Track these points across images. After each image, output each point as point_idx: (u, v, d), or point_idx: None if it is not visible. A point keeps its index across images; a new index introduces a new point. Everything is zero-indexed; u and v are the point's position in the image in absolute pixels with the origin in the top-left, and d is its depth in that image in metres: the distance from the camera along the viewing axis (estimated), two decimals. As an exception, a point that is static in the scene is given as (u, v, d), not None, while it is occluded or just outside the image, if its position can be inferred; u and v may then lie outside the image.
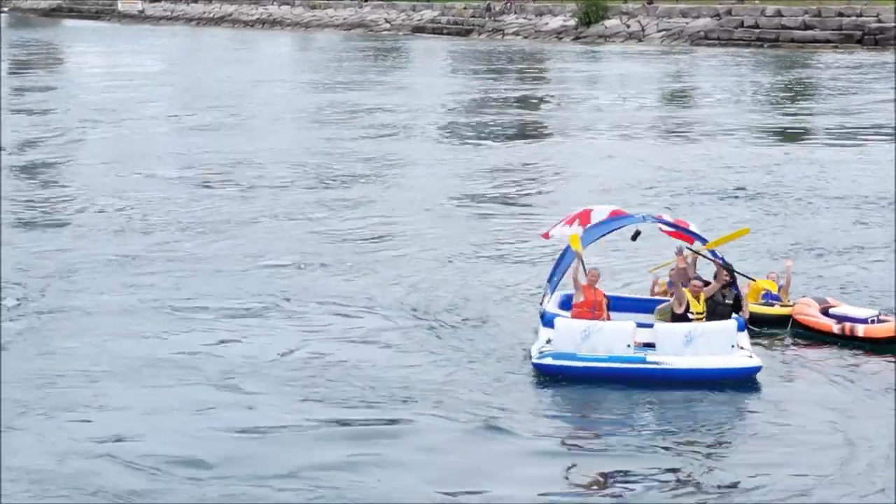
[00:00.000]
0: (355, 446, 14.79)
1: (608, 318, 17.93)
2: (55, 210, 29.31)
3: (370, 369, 17.40)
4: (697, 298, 17.74)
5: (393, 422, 15.53)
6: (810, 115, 46.94)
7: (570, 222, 19.21)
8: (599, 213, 19.36)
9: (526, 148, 39.09)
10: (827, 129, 42.70)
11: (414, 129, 44.01)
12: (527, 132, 43.11)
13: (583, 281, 18.06)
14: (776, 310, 19.46)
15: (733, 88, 56.12)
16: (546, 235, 19.96)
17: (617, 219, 19.34)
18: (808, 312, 19.11)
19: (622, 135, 42.08)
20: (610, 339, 16.95)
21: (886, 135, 40.71)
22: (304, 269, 23.16)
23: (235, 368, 17.44)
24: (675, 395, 16.35)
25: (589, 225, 19.03)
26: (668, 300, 18.90)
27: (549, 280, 19.13)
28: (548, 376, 16.85)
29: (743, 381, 16.78)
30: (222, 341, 18.73)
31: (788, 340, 18.87)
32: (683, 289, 17.87)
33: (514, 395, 16.51)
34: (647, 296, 19.44)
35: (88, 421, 15.63)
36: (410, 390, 16.60)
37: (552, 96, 55.04)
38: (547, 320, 18.07)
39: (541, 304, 19.07)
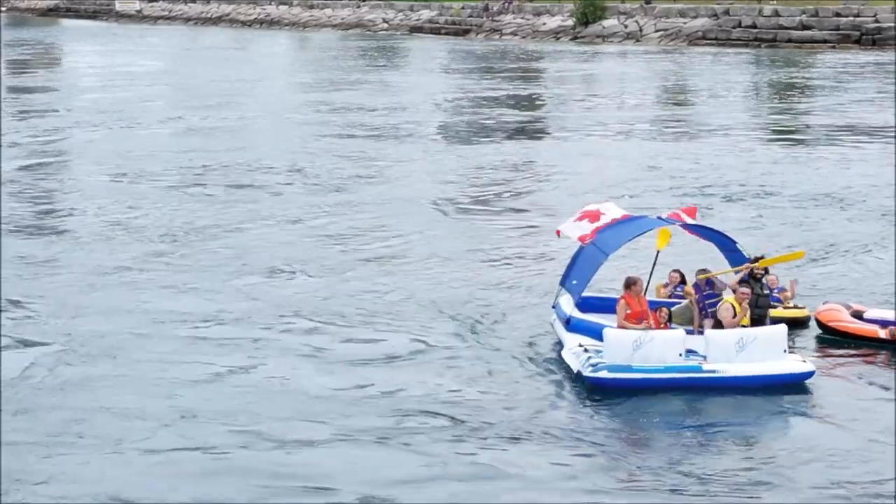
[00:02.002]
0: (403, 465, 14.39)
1: (666, 327, 17.55)
2: (50, 212, 29.20)
3: (404, 388, 16.72)
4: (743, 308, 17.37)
5: (445, 437, 15.09)
6: (806, 114, 46.89)
7: (581, 220, 18.90)
8: (608, 210, 19.08)
9: (524, 148, 39.03)
10: (823, 128, 42.63)
11: (411, 129, 43.94)
12: (524, 132, 43.04)
13: (626, 310, 17.58)
14: (792, 312, 19.33)
15: (730, 88, 56.09)
16: (559, 232, 19.67)
17: (637, 220, 18.98)
18: (843, 318, 18.78)
19: (619, 134, 42.02)
20: (662, 349, 16.66)
21: (882, 134, 40.68)
22: (311, 277, 22.61)
23: (254, 385, 16.85)
24: (728, 402, 16.17)
25: (602, 224, 18.68)
26: (679, 302, 18.70)
27: (563, 282, 18.74)
28: (600, 388, 16.45)
29: (796, 387, 16.60)
30: (234, 359, 17.95)
31: (826, 345, 18.55)
32: (731, 298, 17.57)
33: (564, 408, 16.19)
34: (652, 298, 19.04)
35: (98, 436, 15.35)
36: (456, 404, 16.12)
37: (550, 96, 55.00)
38: (574, 325, 17.82)
39: (554, 305, 18.82)
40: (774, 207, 28.94)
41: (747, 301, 17.66)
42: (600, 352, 16.98)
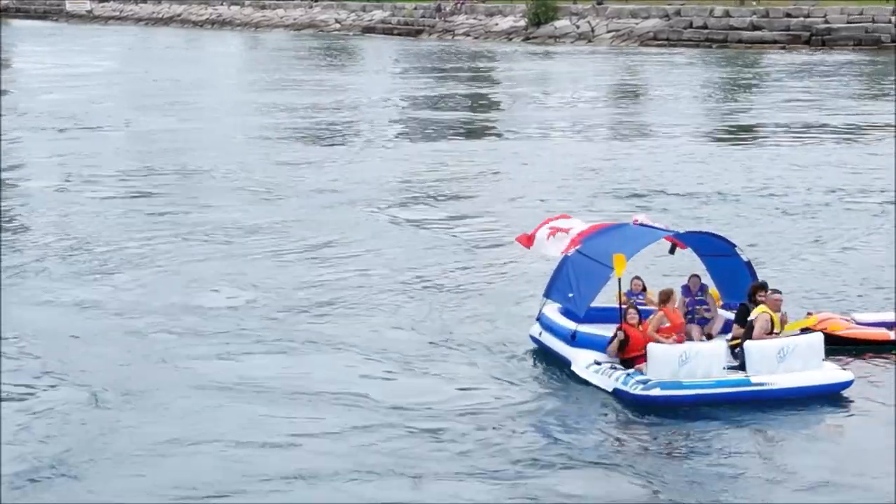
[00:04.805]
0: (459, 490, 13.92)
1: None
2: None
3: (445, 416, 15.96)
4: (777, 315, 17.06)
5: (499, 472, 14.35)
6: (751, 113, 47.03)
7: (552, 234, 18.38)
8: (573, 224, 18.62)
9: (475, 149, 38.94)
10: (769, 127, 42.82)
11: (361, 130, 43.93)
12: (475, 132, 42.98)
13: (663, 323, 17.27)
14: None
15: (679, 88, 56.20)
16: (529, 241, 18.91)
17: (631, 229, 18.40)
18: (850, 325, 18.54)
19: (570, 135, 42.10)
20: (707, 363, 16.40)
21: (828, 133, 40.92)
22: (273, 304, 21.13)
23: (239, 422, 15.82)
24: (772, 413, 16.00)
25: (583, 233, 18.16)
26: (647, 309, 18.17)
27: (550, 295, 18.08)
28: (644, 405, 16.08)
29: (836, 396, 16.53)
30: (212, 386, 16.98)
31: (834, 354, 17.92)
32: (764, 307, 17.06)
33: (612, 429, 15.75)
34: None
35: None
36: (494, 438, 15.30)
37: (501, 96, 55.03)
38: (582, 340, 17.38)
39: (538, 318, 18.22)
40: (719, 207, 28.94)
41: (782, 306, 17.26)
42: (619, 367, 16.71)
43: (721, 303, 18.63)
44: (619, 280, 17.38)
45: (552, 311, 18.22)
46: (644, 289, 18.96)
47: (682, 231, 19.50)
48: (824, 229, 26.59)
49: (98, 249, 25.20)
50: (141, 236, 26.35)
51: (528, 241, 19.07)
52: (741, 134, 42.00)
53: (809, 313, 19.00)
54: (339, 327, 19.80)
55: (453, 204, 29.99)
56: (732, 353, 16.99)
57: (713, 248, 18.71)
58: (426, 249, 25.09)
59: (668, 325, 17.29)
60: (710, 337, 17.86)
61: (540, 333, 18.29)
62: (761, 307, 17.06)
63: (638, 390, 16.16)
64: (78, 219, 28.31)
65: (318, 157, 37.06)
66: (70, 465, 14.52)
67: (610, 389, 16.51)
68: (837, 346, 17.91)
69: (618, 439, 15.39)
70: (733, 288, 18.52)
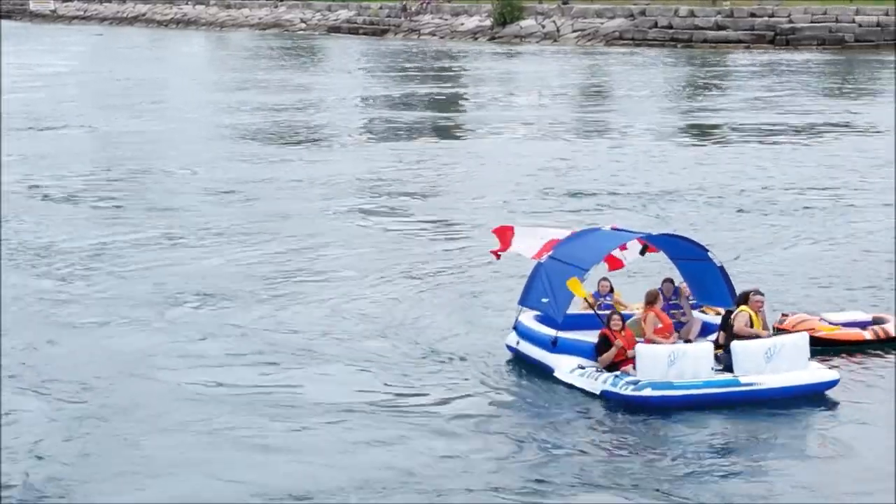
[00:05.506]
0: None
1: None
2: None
3: (444, 423, 15.85)
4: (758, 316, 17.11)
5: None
6: (720, 113, 47.16)
7: (530, 242, 18.25)
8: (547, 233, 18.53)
9: (440, 149, 38.93)
10: (739, 126, 42.98)
11: (326, 131, 43.75)
12: (440, 133, 42.96)
13: (656, 324, 17.33)
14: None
15: (642, 88, 56.32)
16: (498, 253, 18.79)
17: (599, 232, 18.44)
18: (826, 326, 18.56)
19: (535, 135, 42.07)
20: (695, 363, 16.42)
21: (796, 133, 41.11)
22: (243, 309, 20.73)
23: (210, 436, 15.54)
24: (761, 414, 16.01)
25: (554, 240, 18.05)
26: (635, 314, 18.10)
27: (525, 302, 17.91)
28: (636, 407, 16.01)
29: (823, 395, 16.60)
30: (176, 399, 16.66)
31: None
32: (745, 307, 17.14)
33: (602, 429, 15.68)
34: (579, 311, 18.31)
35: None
36: (489, 451, 15.07)
37: (465, 96, 55.03)
38: (564, 346, 17.22)
39: (515, 326, 18.01)
40: (685, 207, 28.98)
41: (763, 308, 17.32)
42: (597, 370, 16.66)
43: (692, 301, 18.61)
44: (584, 300, 17.56)
45: (529, 319, 18.04)
46: (612, 290, 18.88)
47: (654, 233, 19.47)
48: (789, 229, 26.67)
49: (62, 250, 24.96)
50: (101, 237, 26.11)
51: (503, 245, 18.82)
52: (705, 133, 42.13)
53: (784, 315, 19.01)
54: (313, 338, 19.39)
55: (417, 205, 29.89)
56: (716, 358, 16.94)
57: (685, 252, 18.56)
58: (392, 252, 24.86)
59: (660, 325, 17.28)
60: (688, 341, 17.72)
61: (517, 342, 18.07)
62: (742, 307, 17.17)
63: (629, 391, 16.12)
64: (42, 220, 28.05)
65: (282, 157, 36.92)
66: (60, 472, 14.38)
67: (598, 392, 16.43)
68: (812, 346, 17.75)
69: (610, 441, 15.33)
70: (705, 292, 18.45)
